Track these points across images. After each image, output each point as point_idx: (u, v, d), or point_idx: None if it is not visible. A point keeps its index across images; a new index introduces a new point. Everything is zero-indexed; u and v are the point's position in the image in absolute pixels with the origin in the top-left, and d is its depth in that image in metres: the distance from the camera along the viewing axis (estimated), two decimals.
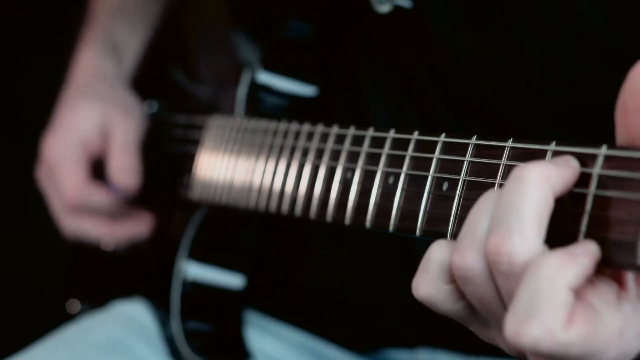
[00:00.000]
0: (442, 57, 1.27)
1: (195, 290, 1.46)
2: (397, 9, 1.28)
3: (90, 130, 1.60)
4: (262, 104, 1.41)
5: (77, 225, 1.61)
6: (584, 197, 0.81)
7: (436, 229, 0.96)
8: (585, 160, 0.82)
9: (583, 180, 0.81)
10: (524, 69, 1.21)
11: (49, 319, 1.65)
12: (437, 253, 0.88)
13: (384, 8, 1.29)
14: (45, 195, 1.65)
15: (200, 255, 1.47)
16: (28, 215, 2.54)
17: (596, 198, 0.80)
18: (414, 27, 1.28)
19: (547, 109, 1.22)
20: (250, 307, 1.53)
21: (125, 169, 1.58)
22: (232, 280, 1.48)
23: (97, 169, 1.61)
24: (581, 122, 1.17)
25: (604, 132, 1.15)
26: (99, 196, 1.58)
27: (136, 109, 1.65)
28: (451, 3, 1.24)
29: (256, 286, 1.51)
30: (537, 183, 0.80)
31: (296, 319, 1.53)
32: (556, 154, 0.85)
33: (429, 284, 0.88)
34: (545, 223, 0.80)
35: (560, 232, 0.82)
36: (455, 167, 0.96)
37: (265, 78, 1.41)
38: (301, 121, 1.24)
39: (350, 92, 1.40)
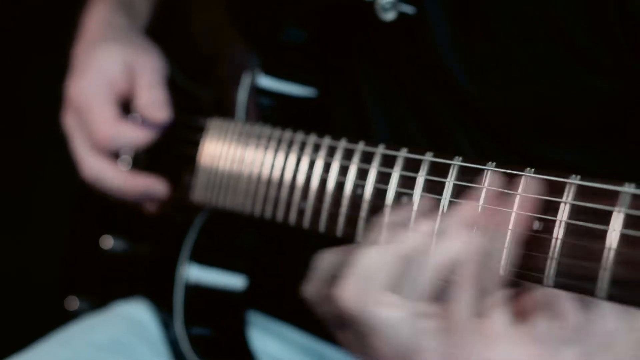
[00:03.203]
0: (441, 63, 1.26)
1: (198, 293, 1.46)
2: (401, 16, 1.27)
3: (115, 70, 1.57)
4: (262, 107, 1.40)
5: (100, 167, 1.57)
6: (604, 234, 0.81)
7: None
8: (610, 197, 0.82)
9: (606, 217, 0.82)
10: (517, 76, 1.21)
11: (49, 319, 1.65)
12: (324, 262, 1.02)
13: (389, 16, 1.28)
14: (70, 138, 1.61)
15: (202, 257, 1.46)
16: (28, 215, 2.54)
17: (623, 237, 0.80)
18: (416, 34, 1.28)
19: (541, 118, 1.23)
20: (253, 308, 1.54)
21: (155, 103, 1.55)
22: (234, 282, 1.48)
23: (124, 109, 1.59)
24: (569, 127, 1.20)
25: (590, 138, 1.17)
26: (131, 132, 1.55)
27: (155, 49, 1.62)
28: (448, 8, 1.24)
29: (258, 287, 1.51)
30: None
31: (298, 319, 1.53)
32: (578, 187, 0.85)
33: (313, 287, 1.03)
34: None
35: (581, 267, 0.83)
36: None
37: (266, 82, 1.40)
38: (301, 125, 1.24)
39: (351, 97, 1.40)
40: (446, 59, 1.26)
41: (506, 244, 0.90)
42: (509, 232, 0.90)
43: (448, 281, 0.92)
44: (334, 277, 1.00)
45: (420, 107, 1.32)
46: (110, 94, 1.57)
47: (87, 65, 1.60)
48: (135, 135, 1.55)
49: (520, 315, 0.93)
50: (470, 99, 1.25)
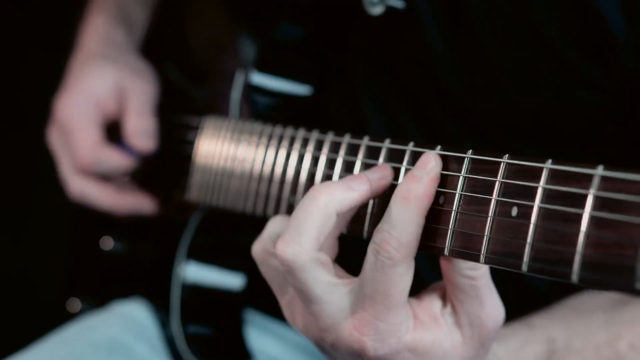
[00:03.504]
0: (431, 57, 1.27)
1: (195, 292, 1.46)
2: (390, 10, 1.27)
3: (105, 92, 1.58)
4: (256, 105, 1.40)
5: (84, 187, 1.58)
6: (579, 217, 0.81)
7: (431, 243, 0.96)
8: (581, 180, 0.82)
9: (579, 200, 0.81)
10: (498, 76, 1.21)
11: (49, 319, 1.66)
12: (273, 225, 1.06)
13: (377, 10, 1.28)
14: (55, 156, 1.62)
15: (199, 256, 1.46)
16: (28, 215, 2.55)
17: (592, 218, 0.80)
18: (405, 28, 1.28)
19: (521, 119, 1.23)
20: (251, 307, 1.53)
21: (142, 132, 1.56)
22: (231, 280, 1.48)
23: (111, 131, 1.60)
24: (548, 131, 1.23)
25: (569, 141, 1.18)
26: (112, 158, 1.56)
27: (149, 73, 1.62)
28: (437, 3, 1.24)
29: (256, 286, 1.51)
30: (323, 206, 0.97)
31: None
32: (552, 172, 0.85)
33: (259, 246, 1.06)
34: (324, 235, 0.97)
35: (555, 251, 0.82)
36: (453, 182, 0.95)
37: (259, 79, 1.40)
38: (296, 122, 1.24)
39: (345, 93, 1.40)
40: (436, 54, 1.26)
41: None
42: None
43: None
44: (278, 236, 1.03)
45: (413, 102, 1.32)
46: (96, 116, 1.57)
47: (77, 84, 1.60)
48: (117, 162, 1.57)
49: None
50: (456, 95, 1.25)
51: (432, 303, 0.98)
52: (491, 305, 0.96)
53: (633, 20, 1.11)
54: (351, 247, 1.04)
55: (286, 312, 1.06)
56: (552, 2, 1.15)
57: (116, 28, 1.68)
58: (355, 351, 0.97)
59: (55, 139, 1.62)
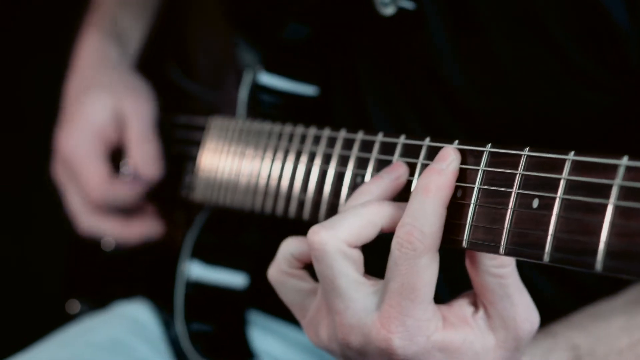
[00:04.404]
0: (436, 57, 1.27)
1: (199, 292, 1.46)
2: (401, 12, 1.28)
3: (105, 122, 1.58)
4: (263, 105, 1.41)
5: (95, 224, 1.59)
6: (603, 207, 0.82)
7: (451, 236, 0.96)
8: (606, 171, 0.83)
9: (603, 190, 0.82)
10: (503, 76, 1.22)
11: (49, 319, 1.65)
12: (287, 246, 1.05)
13: (389, 10, 1.29)
14: (63, 192, 1.62)
15: (203, 256, 1.46)
16: (28, 215, 2.54)
17: (617, 208, 0.80)
18: (411, 28, 1.29)
19: (529, 120, 1.24)
20: (254, 307, 1.53)
21: (146, 160, 1.56)
22: (235, 280, 1.48)
23: (113, 157, 1.60)
24: (553, 132, 1.23)
25: (572, 141, 1.19)
26: (122, 191, 1.56)
27: (145, 91, 1.62)
28: (445, 4, 1.25)
29: (260, 286, 1.51)
30: (374, 213, 0.99)
31: None
32: (575, 163, 0.86)
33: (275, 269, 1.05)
34: (362, 238, 0.98)
35: (578, 241, 0.83)
36: (471, 175, 0.96)
37: (267, 79, 1.40)
38: (303, 122, 1.24)
39: (350, 92, 1.40)
40: (442, 55, 1.26)
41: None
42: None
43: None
44: (295, 258, 1.04)
45: (419, 103, 1.33)
46: (99, 148, 1.58)
47: (76, 116, 1.60)
48: (127, 195, 1.57)
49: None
50: (460, 95, 1.26)
51: (462, 308, 0.97)
52: (524, 305, 0.95)
53: (637, 14, 1.11)
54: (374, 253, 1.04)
55: (309, 331, 1.04)
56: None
57: (110, 45, 1.68)
58: (383, 350, 0.95)
59: (61, 175, 1.62)
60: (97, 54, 1.67)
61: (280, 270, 1.05)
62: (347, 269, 0.96)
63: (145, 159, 1.56)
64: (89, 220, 1.59)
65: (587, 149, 1.22)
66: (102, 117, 1.58)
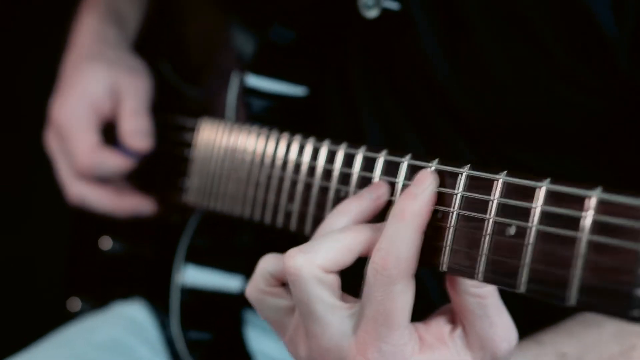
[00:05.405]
0: (426, 59, 1.25)
1: (194, 294, 1.46)
2: (385, 13, 1.26)
3: (100, 93, 1.57)
4: (252, 108, 1.39)
5: (83, 192, 1.58)
6: (576, 240, 0.80)
7: (429, 259, 0.95)
8: (579, 202, 0.81)
9: (577, 222, 0.80)
10: (493, 78, 1.20)
11: (50, 319, 1.66)
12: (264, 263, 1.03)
13: (372, 13, 1.26)
14: (53, 160, 1.62)
15: (197, 259, 1.46)
16: (28, 215, 2.54)
17: (590, 242, 0.79)
18: (400, 31, 1.27)
19: (520, 123, 1.22)
20: (250, 308, 1.53)
21: (138, 132, 1.55)
22: (230, 282, 1.48)
23: (107, 131, 1.59)
24: (543, 135, 1.22)
25: (570, 145, 1.16)
26: (111, 161, 1.55)
27: (143, 70, 1.62)
28: (432, 4, 1.23)
29: None
30: (350, 239, 0.97)
31: None
32: (549, 192, 0.84)
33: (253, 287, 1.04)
34: (339, 264, 0.96)
35: (552, 273, 0.82)
36: (450, 198, 0.94)
37: (255, 82, 1.39)
38: (292, 124, 1.23)
39: (341, 95, 1.39)
40: (430, 56, 1.25)
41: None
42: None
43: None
44: (272, 277, 1.03)
45: (409, 104, 1.31)
46: (92, 119, 1.57)
47: (72, 86, 1.59)
48: (116, 164, 1.56)
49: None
50: (451, 98, 1.24)
51: (439, 326, 0.97)
52: (503, 325, 0.94)
53: (623, 17, 1.09)
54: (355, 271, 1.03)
55: (290, 348, 1.03)
56: (545, 2, 1.14)
57: (108, 26, 1.67)
58: None
59: (52, 143, 1.61)
60: (96, 33, 1.66)
61: (258, 288, 1.04)
62: (322, 294, 0.96)
63: (136, 131, 1.55)
64: (77, 188, 1.58)
65: (586, 153, 1.21)
66: (97, 89, 1.57)
